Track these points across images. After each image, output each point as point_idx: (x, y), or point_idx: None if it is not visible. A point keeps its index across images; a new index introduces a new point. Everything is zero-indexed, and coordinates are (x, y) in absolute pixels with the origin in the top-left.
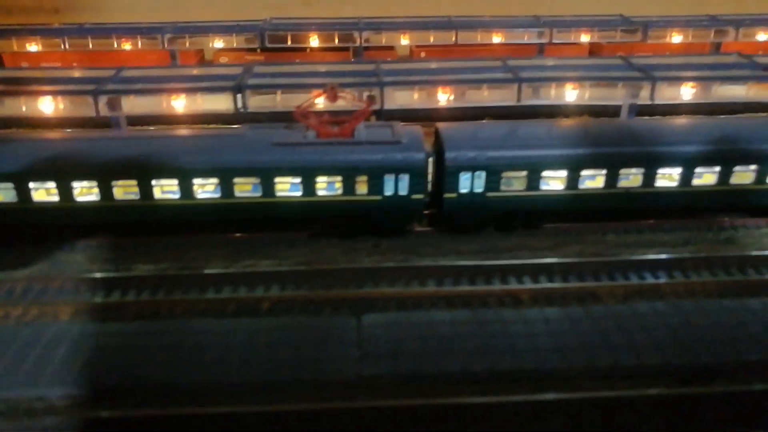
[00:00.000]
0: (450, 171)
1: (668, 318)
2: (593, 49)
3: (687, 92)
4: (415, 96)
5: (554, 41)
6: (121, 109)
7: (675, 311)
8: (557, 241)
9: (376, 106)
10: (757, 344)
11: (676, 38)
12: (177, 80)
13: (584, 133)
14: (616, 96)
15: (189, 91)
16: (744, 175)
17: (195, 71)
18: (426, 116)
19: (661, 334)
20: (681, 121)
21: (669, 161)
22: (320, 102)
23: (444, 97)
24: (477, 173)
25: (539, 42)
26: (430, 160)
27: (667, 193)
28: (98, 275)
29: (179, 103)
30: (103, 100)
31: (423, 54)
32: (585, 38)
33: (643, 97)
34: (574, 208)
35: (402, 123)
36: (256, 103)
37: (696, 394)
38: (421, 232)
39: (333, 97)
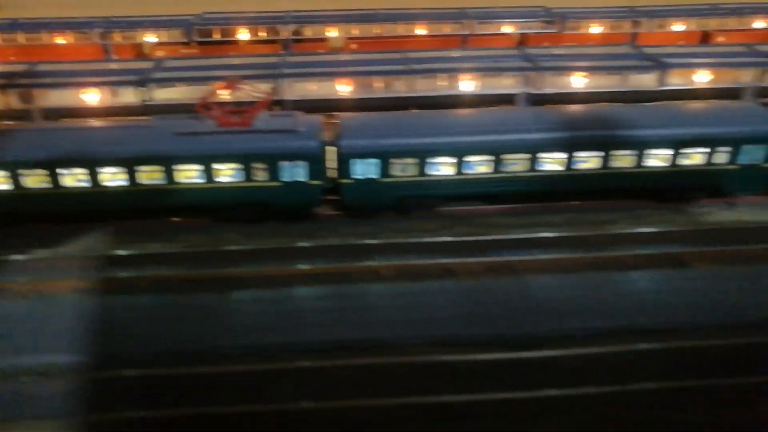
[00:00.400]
0: (344, 158)
1: (512, 293)
2: (521, 40)
3: (578, 81)
4: (314, 87)
5: (477, 32)
6: (34, 102)
7: (521, 286)
8: (443, 223)
9: (278, 97)
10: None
11: (595, 29)
12: (89, 75)
13: (471, 121)
14: (505, 85)
15: (97, 84)
16: (624, 159)
17: (112, 65)
18: (328, 107)
19: (504, 307)
20: (564, 108)
21: (552, 146)
22: (226, 94)
23: (346, 88)
24: (370, 160)
25: (462, 33)
26: (331, 147)
27: (551, 176)
28: None
29: (92, 97)
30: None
31: (354, 46)
32: (508, 29)
33: (539, 86)
34: (463, 192)
35: (307, 113)
36: (163, 95)
37: (522, 358)
38: (327, 216)
39: (232, 89)
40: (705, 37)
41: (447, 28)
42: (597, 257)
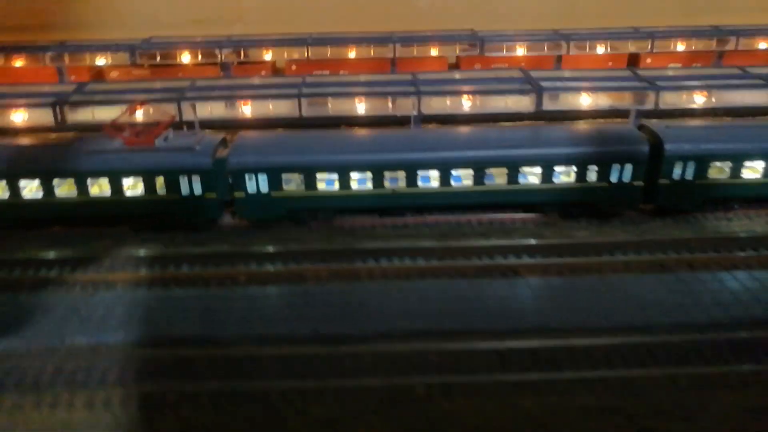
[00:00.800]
0: (235, 173)
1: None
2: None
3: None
4: (210, 109)
5: (402, 56)
6: None
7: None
8: (322, 234)
9: (186, 118)
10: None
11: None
12: (11, 96)
13: (353, 141)
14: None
15: (17, 106)
16: (499, 176)
17: (43, 88)
18: (230, 126)
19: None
20: (444, 129)
21: (428, 165)
22: (135, 115)
23: (246, 109)
24: (260, 175)
25: (392, 57)
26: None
27: (428, 193)
28: None
29: (17, 117)
30: None
31: (294, 67)
32: (434, 52)
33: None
34: (347, 206)
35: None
36: (76, 117)
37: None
38: (229, 226)
39: (133, 112)
40: (633, 60)
41: (373, 52)
42: (446, 266)
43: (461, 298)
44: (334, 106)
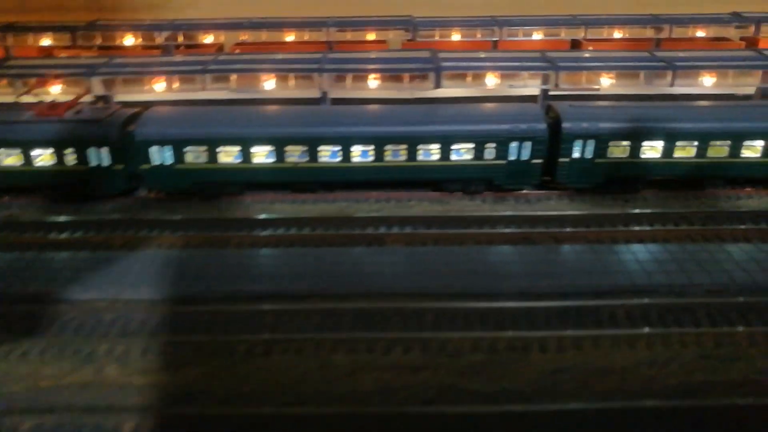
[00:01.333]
0: (139, 145)
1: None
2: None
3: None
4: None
5: (337, 40)
6: None
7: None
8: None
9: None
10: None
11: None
12: None
13: (256, 115)
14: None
15: None
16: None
17: None
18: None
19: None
20: (355, 106)
21: (328, 141)
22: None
23: (160, 87)
24: (166, 147)
25: (328, 41)
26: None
27: (329, 168)
28: None
29: None
30: None
31: (237, 50)
32: (371, 36)
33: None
34: (249, 180)
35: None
36: None
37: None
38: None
39: (41, 86)
40: (575, 47)
41: (308, 36)
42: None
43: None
44: (239, 84)
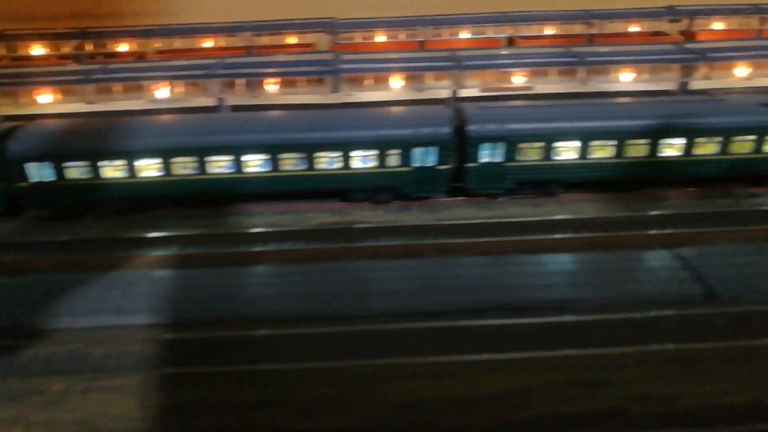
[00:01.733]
0: (13, 162)
1: None
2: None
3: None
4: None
5: (254, 44)
6: None
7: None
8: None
9: None
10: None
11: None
12: None
13: (143, 126)
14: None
15: None
16: (288, 162)
17: None
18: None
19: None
20: (249, 113)
21: (219, 150)
22: None
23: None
24: (43, 164)
25: (247, 45)
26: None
27: (221, 179)
28: None
29: None
30: None
31: (158, 58)
32: (292, 40)
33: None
34: (137, 195)
35: None
36: None
37: None
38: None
39: None
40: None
41: (224, 41)
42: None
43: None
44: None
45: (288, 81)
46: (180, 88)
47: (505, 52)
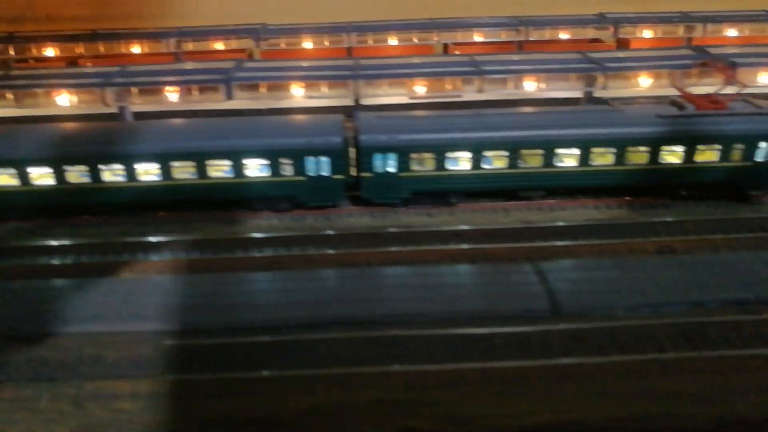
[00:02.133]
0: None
1: None
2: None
3: None
4: None
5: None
6: None
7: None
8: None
9: None
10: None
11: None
12: None
13: (36, 134)
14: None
15: None
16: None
17: None
18: None
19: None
20: (136, 123)
21: (109, 159)
22: None
23: None
24: None
25: (174, 51)
26: None
27: (112, 189)
28: None
29: None
30: None
31: (88, 63)
32: (219, 46)
33: None
34: (33, 203)
35: None
36: None
37: None
38: None
39: None
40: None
41: (162, 47)
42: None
43: None
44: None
45: (186, 89)
46: (83, 96)
47: (401, 62)
